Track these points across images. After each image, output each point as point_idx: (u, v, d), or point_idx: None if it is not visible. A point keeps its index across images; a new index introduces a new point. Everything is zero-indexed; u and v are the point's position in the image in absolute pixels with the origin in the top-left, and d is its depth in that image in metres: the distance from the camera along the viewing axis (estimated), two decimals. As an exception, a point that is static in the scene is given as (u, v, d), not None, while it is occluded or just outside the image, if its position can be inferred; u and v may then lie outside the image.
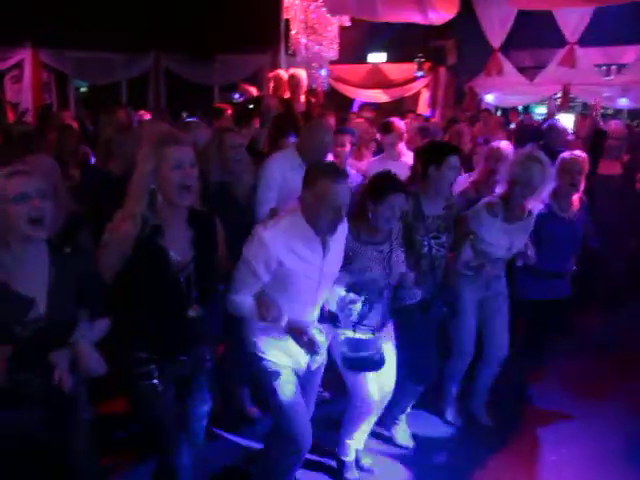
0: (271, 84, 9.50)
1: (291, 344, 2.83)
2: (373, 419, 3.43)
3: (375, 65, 13.51)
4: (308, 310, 2.88)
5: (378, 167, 5.09)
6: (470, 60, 12.19)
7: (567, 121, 9.33)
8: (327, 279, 2.88)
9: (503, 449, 3.77)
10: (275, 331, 2.79)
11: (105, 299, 2.37)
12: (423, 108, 12.92)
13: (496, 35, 11.69)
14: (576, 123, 8.20)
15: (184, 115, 8.83)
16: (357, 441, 3.46)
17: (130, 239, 2.36)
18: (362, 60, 13.52)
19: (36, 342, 2.14)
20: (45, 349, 2.18)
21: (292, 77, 8.65)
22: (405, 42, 12.47)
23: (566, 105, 10.67)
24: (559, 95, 11.02)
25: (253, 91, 10.11)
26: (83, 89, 13.96)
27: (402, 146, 5.07)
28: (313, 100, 10.53)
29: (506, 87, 11.55)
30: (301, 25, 10.66)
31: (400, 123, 5.14)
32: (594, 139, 5.15)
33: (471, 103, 11.52)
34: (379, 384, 3.26)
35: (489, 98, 11.91)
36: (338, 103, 12.31)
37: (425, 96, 13.22)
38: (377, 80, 13.28)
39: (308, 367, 2.98)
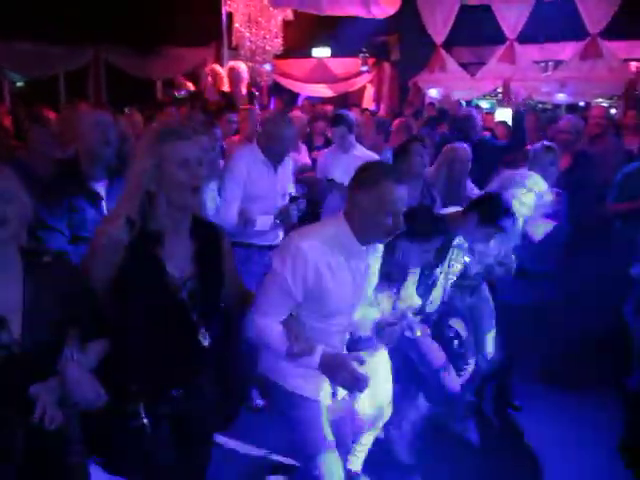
0: (209, 79, 9.39)
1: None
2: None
3: (320, 60, 13.53)
4: (342, 336, 2.55)
5: (328, 159, 5.11)
6: (413, 55, 12.34)
7: (506, 115, 9.57)
8: (362, 300, 2.54)
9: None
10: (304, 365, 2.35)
11: (100, 317, 2.01)
12: (368, 103, 13.02)
13: (438, 31, 11.89)
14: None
15: (126, 110, 8.62)
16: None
17: (117, 244, 2.00)
18: (307, 55, 13.53)
19: (9, 372, 1.77)
20: (22, 383, 1.78)
21: (231, 70, 8.55)
22: (349, 37, 12.53)
23: (507, 99, 10.91)
24: (500, 90, 11.27)
25: (190, 86, 9.95)
26: (20, 84, 13.44)
27: (352, 139, 5.07)
28: (256, 93, 10.44)
29: (449, 82, 11.74)
30: (244, 18, 10.58)
31: (351, 116, 5.13)
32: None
33: (415, 98, 11.66)
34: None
35: (433, 93, 12.08)
36: (283, 98, 12.28)
37: (370, 91, 13.33)
38: (322, 75, 13.31)
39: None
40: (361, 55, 12.93)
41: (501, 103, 11.13)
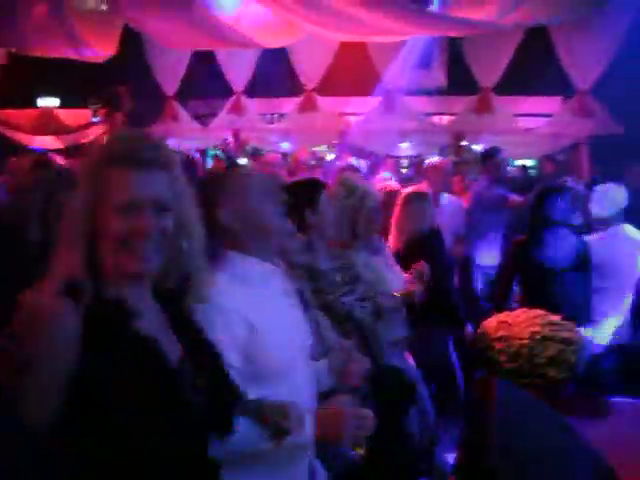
0: None
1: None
2: None
3: (46, 109, 12.82)
4: (309, 389, 1.98)
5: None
6: (146, 106, 12.27)
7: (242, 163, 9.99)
8: (309, 337, 2.04)
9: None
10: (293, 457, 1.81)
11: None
12: (103, 154, 12.60)
13: (169, 83, 11.97)
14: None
15: None
16: None
17: (70, 326, 1.24)
18: (32, 104, 12.74)
19: None
20: None
21: None
22: (79, 87, 12.09)
23: (239, 149, 11.34)
24: (231, 139, 11.68)
25: None
26: None
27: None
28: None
29: (183, 133, 11.86)
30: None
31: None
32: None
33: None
34: None
35: (169, 143, 12.10)
36: (9, 149, 11.34)
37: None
38: (50, 126, 12.61)
39: None
40: (91, 106, 12.53)
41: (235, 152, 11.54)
